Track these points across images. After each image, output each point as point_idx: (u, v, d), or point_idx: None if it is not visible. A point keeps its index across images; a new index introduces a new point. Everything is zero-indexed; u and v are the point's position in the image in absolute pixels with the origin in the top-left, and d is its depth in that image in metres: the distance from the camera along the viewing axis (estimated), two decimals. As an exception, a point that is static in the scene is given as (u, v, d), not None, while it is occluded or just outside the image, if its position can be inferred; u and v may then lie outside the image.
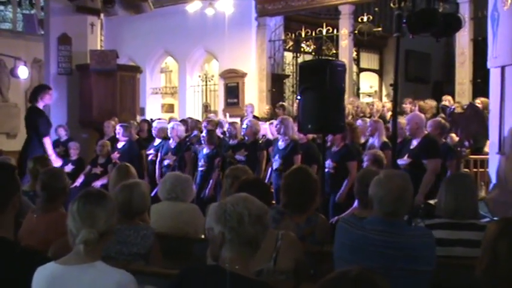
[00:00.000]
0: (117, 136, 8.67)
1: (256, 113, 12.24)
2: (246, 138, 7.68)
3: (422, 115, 7.03)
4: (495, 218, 4.27)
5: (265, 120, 10.50)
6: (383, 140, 7.08)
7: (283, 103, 11.73)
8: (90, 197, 2.44)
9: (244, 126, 7.78)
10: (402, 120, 6.79)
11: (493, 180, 6.22)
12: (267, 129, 8.31)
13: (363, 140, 7.59)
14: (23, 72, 11.25)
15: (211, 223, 2.32)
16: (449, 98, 10.51)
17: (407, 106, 10.13)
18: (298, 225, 3.71)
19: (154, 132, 8.75)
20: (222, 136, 8.88)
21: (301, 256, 3.17)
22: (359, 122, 8.09)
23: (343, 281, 1.54)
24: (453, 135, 7.87)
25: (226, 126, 9.13)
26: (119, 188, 3.77)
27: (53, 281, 2.32)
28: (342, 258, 2.92)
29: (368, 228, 2.87)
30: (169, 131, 8.39)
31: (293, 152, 7.10)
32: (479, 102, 9.00)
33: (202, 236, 4.16)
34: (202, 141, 8.03)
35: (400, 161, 6.06)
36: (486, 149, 8.24)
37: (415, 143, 6.35)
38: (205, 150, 7.96)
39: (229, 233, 2.23)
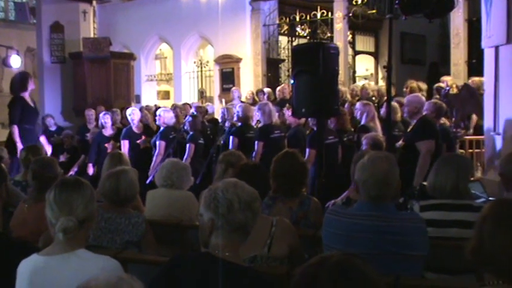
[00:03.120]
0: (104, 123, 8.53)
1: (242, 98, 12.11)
2: (239, 124, 7.59)
3: (423, 98, 6.92)
4: (491, 198, 4.26)
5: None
6: (364, 124, 6.94)
7: (264, 89, 11.63)
8: (66, 185, 2.41)
9: (236, 111, 7.65)
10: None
11: (489, 160, 6.22)
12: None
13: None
14: (15, 61, 11.23)
15: (201, 209, 2.30)
16: (448, 78, 10.36)
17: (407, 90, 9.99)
18: (291, 210, 3.70)
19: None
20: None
21: (295, 242, 3.16)
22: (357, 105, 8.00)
23: (324, 267, 1.51)
24: (443, 118, 7.82)
25: (219, 112, 9.09)
26: (105, 175, 3.75)
27: (36, 272, 2.30)
28: (331, 247, 2.90)
29: (356, 214, 2.85)
30: (157, 118, 8.31)
31: (255, 138, 7.16)
32: (471, 81, 8.94)
33: (197, 223, 4.14)
34: (187, 127, 7.97)
35: (396, 144, 6.04)
36: (470, 130, 8.26)
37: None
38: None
39: (219, 219, 2.22)
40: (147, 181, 7.00)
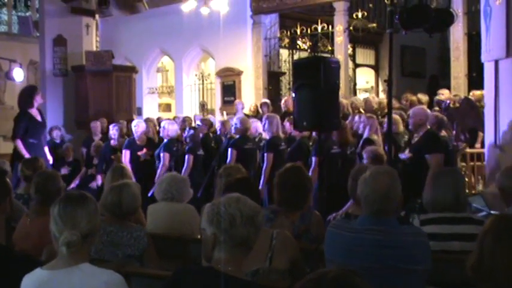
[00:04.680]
0: (113, 135, 8.58)
1: (245, 110, 12.17)
2: (237, 136, 7.62)
3: (428, 110, 6.95)
4: (492, 212, 4.27)
5: (253, 117, 10.43)
6: (368, 137, 6.98)
7: (267, 100, 11.70)
8: (70, 200, 2.43)
9: (234, 124, 7.66)
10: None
11: (490, 174, 6.23)
12: (260, 127, 8.23)
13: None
14: (18, 74, 11.23)
15: (204, 224, 2.31)
16: (446, 91, 10.44)
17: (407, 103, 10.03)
18: (293, 223, 3.71)
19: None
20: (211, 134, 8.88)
21: (296, 255, 3.16)
22: (356, 118, 8.05)
23: (322, 282, 1.52)
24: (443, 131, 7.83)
25: (217, 125, 9.13)
26: (108, 189, 3.77)
27: (40, 286, 2.30)
28: (333, 261, 2.91)
29: (358, 228, 2.86)
30: (161, 130, 8.35)
31: (264, 150, 7.18)
32: (471, 95, 8.99)
33: (198, 237, 4.15)
34: (187, 140, 8.00)
35: (401, 155, 6.05)
36: (477, 145, 8.26)
37: (416, 137, 6.30)
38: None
39: (221, 234, 2.23)
40: (149, 194, 7.01)
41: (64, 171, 8.61)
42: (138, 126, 8.34)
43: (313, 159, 6.50)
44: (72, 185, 8.32)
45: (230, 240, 2.22)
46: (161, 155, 7.84)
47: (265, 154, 7.13)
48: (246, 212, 2.25)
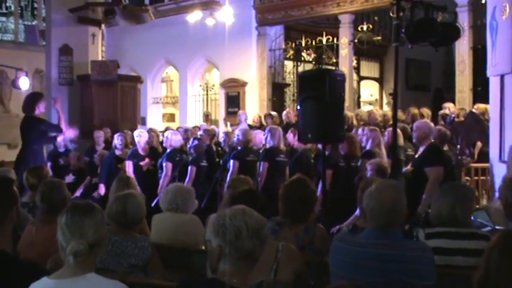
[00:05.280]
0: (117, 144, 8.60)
1: (249, 121, 12.18)
2: (239, 147, 7.63)
3: (432, 124, 6.95)
4: (497, 227, 4.26)
5: (256, 129, 10.44)
6: (370, 149, 6.95)
7: (272, 112, 11.71)
8: (77, 209, 2.43)
9: (236, 135, 7.69)
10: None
11: (495, 188, 6.20)
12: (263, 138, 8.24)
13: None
14: (24, 83, 11.30)
15: (209, 235, 2.31)
16: (451, 105, 10.42)
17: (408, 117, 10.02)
18: (297, 235, 3.71)
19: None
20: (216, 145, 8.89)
21: (301, 268, 3.16)
22: (360, 130, 8.05)
23: None
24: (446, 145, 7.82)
25: (221, 135, 9.14)
26: (113, 198, 3.78)
27: None
28: (338, 275, 2.91)
29: (363, 242, 2.86)
30: (164, 140, 8.37)
31: (260, 159, 7.22)
32: (476, 108, 8.98)
33: (203, 247, 4.15)
34: (191, 150, 8.01)
35: (404, 169, 6.05)
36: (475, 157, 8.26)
37: (420, 151, 6.29)
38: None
39: (227, 246, 2.22)
40: (153, 204, 7.01)
41: (69, 179, 8.61)
42: (140, 136, 8.36)
43: (327, 171, 6.53)
44: (76, 194, 8.32)
45: (235, 252, 2.22)
46: (164, 164, 7.85)
47: (261, 163, 7.19)
48: (251, 224, 2.24)
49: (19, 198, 2.69)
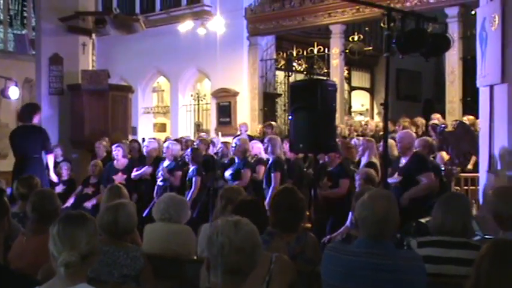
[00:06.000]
0: (115, 155, 8.59)
1: (248, 132, 12.24)
2: (236, 158, 7.62)
3: (414, 134, 7.03)
4: (486, 236, 4.27)
5: (259, 139, 10.48)
6: (370, 160, 7.01)
7: (272, 122, 11.75)
8: (70, 219, 2.41)
9: (233, 145, 7.69)
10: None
11: (483, 198, 6.24)
12: (261, 149, 8.26)
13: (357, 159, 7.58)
14: (13, 92, 11.28)
15: (203, 245, 2.31)
16: (438, 116, 10.57)
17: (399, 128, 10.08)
18: (289, 244, 3.70)
19: (145, 151, 8.73)
20: (214, 155, 8.87)
21: (294, 279, 3.15)
22: (354, 140, 8.10)
23: None
24: (443, 153, 7.89)
25: (219, 146, 9.14)
26: (104, 208, 3.76)
27: None
28: (330, 284, 2.91)
29: (355, 251, 2.86)
30: (164, 151, 8.36)
31: (271, 169, 7.15)
32: (466, 119, 9.06)
33: (195, 257, 4.14)
34: (188, 159, 8.00)
35: (390, 180, 6.05)
36: (469, 167, 8.31)
37: (403, 161, 6.31)
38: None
39: (211, 259, 2.21)
40: (144, 214, 6.99)
41: (58, 189, 8.55)
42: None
43: (344, 181, 6.61)
44: (67, 204, 8.26)
45: (221, 267, 2.19)
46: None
47: (273, 174, 7.05)
48: (235, 242, 2.19)
49: (10, 208, 2.66)
